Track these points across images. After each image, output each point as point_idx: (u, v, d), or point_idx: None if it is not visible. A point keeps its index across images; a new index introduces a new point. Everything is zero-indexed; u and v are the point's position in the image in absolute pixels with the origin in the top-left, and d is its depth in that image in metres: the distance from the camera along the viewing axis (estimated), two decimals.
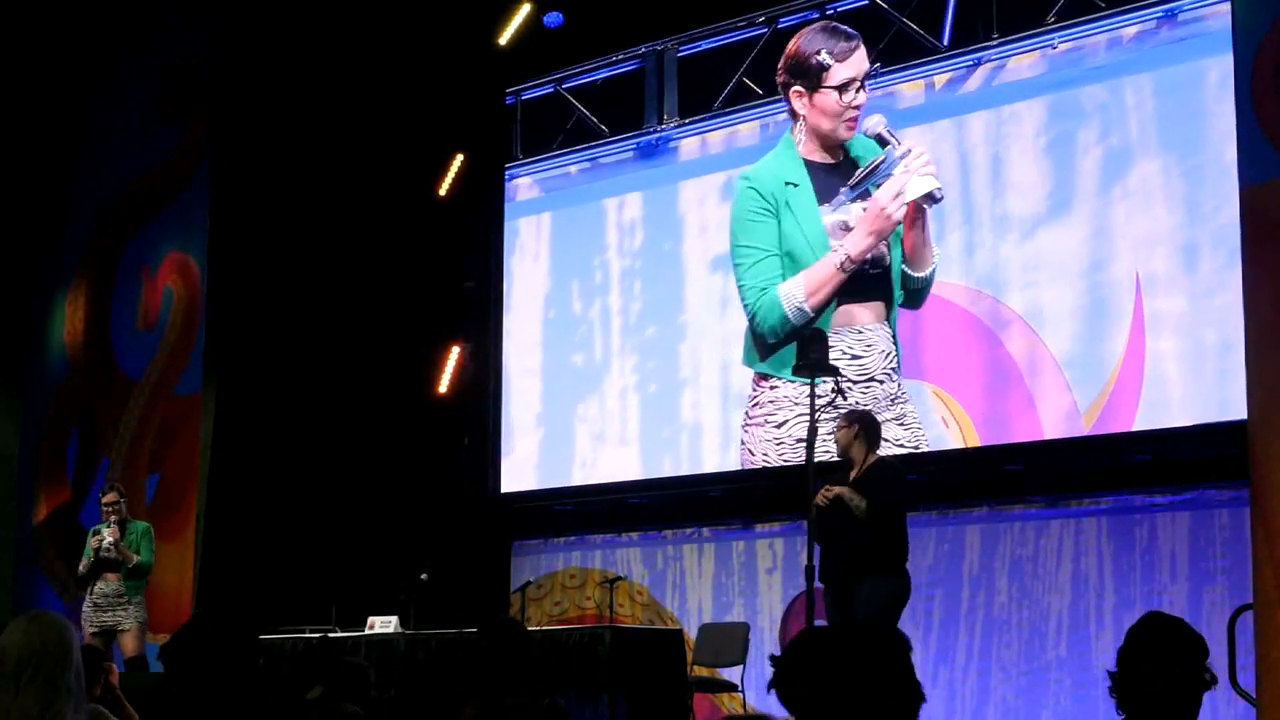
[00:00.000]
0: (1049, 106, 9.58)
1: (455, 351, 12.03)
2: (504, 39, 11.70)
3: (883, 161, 9.76)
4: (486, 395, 11.94)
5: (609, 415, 11.38)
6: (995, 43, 9.78)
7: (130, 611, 10.11)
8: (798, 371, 8.04)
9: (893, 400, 9.78)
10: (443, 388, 11.97)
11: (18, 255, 13.52)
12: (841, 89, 10.01)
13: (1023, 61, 9.68)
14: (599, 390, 11.42)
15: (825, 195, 10.10)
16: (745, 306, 10.40)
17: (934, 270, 9.79)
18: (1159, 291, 9.01)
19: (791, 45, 10.26)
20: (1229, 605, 7.89)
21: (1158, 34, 9.26)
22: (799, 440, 9.69)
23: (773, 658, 2.72)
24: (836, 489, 7.70)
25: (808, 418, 7.82)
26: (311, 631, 9.58)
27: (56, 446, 13.13)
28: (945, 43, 10.01)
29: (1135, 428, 9.02)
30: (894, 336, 9.89)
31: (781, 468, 10.13)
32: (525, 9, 11.59)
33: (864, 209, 9.91)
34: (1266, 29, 7.41)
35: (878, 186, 9.82)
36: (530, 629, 9.32)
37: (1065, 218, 9.42)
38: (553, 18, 11.52)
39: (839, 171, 10.10)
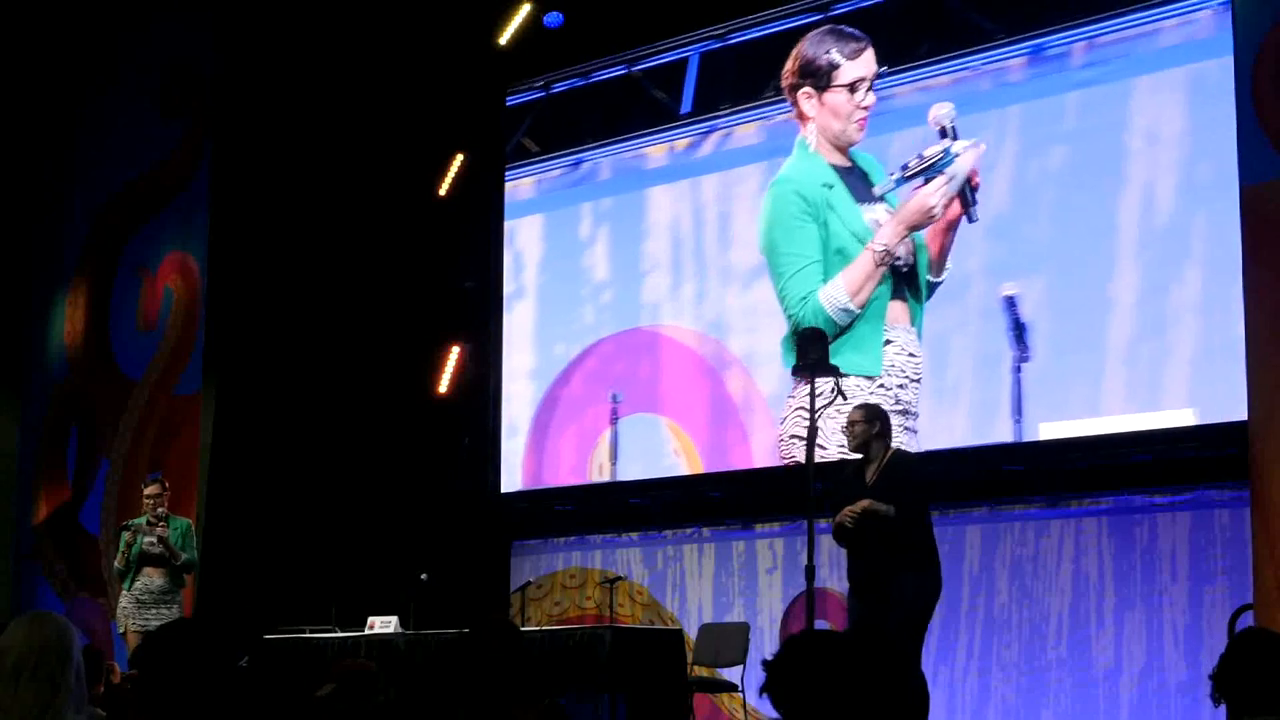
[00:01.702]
0: (765, 171, 10.54)
1: (455, 351, 12.04)
2: (504, 39, 11.70)
3: (942, 157, 9.62)
4: (486, 395, 11.95)
5: None
6: (725, 113, 10.90)
7: (174, 610, 10.05)
8: (797, 372, 7.97)
9: (908, 410, 9.62)
10: (442, 388, 11.98)
11: (17, 255, 13.51)
12: (852, 88, 10.03)
13: (749, 129, 10.78)
14: None
15: (857, 195, 10.02)
16: (787, 316, 10.20)
17: (945, 277, 9.72)
18: None
19: (797, 49, 10.31)
20: (1229, 605, 7.89)
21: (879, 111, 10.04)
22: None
23: (764, 662, 2.71)
24: (861, 504, 7.37)
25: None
26: (312, 632, 9.58)
27: (56, 446, 13.12)
28: (686, 109, 11.07)
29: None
30: (919, 340, 9.74)
31: (781, 467, 10.14)
32: (525, 9, 11.59)
33: (895, 205, 9.83)
34: (1267, 29, 7.42)
35: (928, 180, 9.67)
36: (530, 629, 9.34)
37: None
38: (553, 18, 11.52)
39: (855, 174, 10.07)
